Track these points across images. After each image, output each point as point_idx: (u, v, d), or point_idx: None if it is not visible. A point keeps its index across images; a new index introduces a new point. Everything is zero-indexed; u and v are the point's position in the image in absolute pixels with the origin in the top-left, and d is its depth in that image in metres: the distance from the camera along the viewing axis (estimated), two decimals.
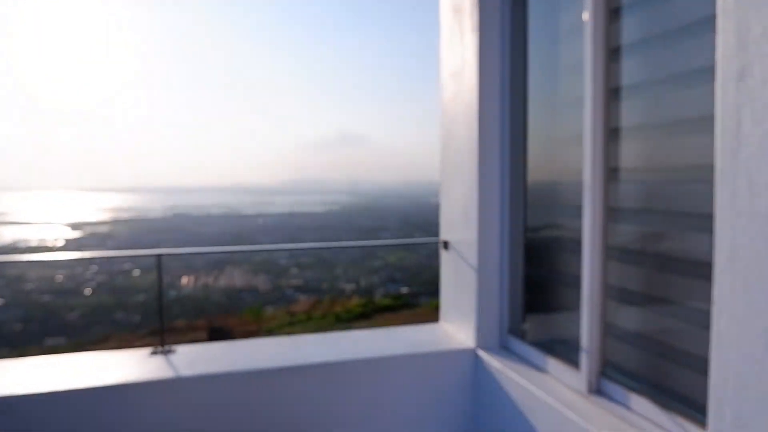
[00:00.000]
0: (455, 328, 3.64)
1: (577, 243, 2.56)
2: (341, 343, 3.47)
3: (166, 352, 3.28)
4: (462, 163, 3.44)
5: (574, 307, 2.60)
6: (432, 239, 3.98)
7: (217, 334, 36.78)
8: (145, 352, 3.33)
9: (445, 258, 3.81)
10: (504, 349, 3.27)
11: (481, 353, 3.23)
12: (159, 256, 3.24)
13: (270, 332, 44.84)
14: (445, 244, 3.80)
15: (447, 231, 3.79)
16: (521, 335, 3.23)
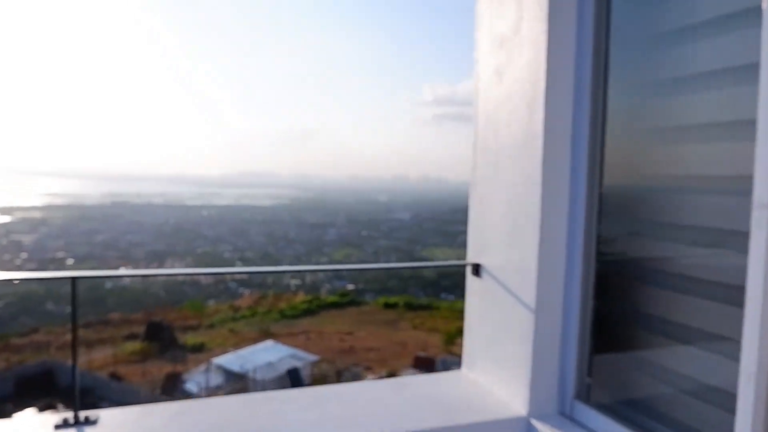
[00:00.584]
0: (491, 383, 2.69)
1: (690, 278, 1.79)
2: (340, 406, 2.43)
3: (80, 425, 2.17)
4: (510, 160, 2.50)
5: (676, 364, 1.86)
6: (460, 262, 3.16)
7: (155, 329, 35.88)
8: (51, 420, 2.20)
9: (476, 287, 2.93)
10: (567, 419, 2.30)
11: (537, 424, 2.28)
12: (74, 278, 2.40)
13: (212, 327, 43.94)
14: (476, 269, 2.90)
15: (479, 251, 2.90)
16: (592, 400, 2.30)
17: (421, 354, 30.16)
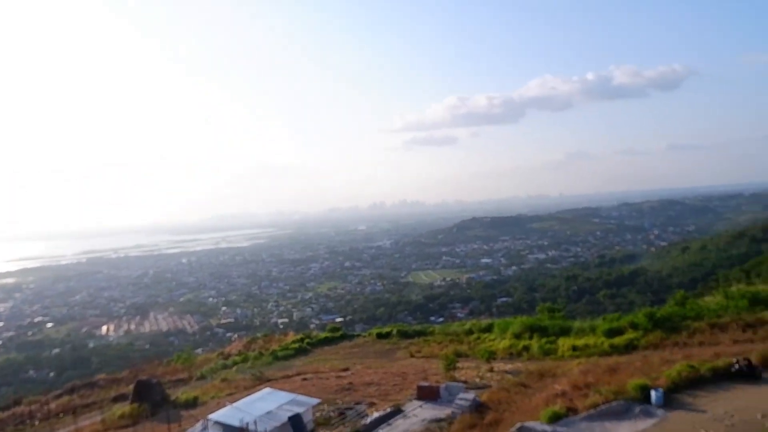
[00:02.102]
0: None
1: None
2: None
3: None
4: None
5: None
6: None
7: (144, 388, 34.41)
8: None
9: None
10: None
11: None
12: None
13: (203, 378, 42.46)
14: None
15: None
16: None
17: (424, 383, 29.41)
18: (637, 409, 18.95)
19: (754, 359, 21.42)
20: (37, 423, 33.65)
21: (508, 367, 33.77)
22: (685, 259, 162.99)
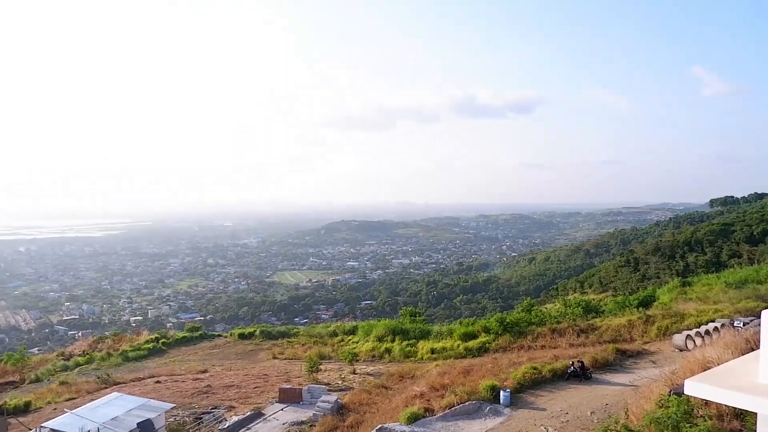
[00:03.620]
0: None
1: None
2: None
3: None
4: None
5: None
6: None
7: None
8: None
9: None
10: None
11: None
12: None
13: (38, 381, 38.19)
14: None
15: None
16: None
17: (286, 386, 29.12)
18: (487, 408, 20.42)
19: (586, 361, 24.15)
20: None
21: (371, 369, 34.64)
22: (531, 269, 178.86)
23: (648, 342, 29.45)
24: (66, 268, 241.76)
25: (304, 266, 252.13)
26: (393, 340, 39.52)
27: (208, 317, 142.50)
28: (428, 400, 21.86)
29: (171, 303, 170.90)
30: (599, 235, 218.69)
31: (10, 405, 30.15)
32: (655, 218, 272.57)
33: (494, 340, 34.87)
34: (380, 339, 40.39)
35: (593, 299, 51.46)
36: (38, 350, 78.05)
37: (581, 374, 23.18)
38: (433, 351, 36.27)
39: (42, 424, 22.81)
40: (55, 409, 28.79)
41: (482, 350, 34.18)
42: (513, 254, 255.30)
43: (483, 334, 36.31)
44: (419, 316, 47.09)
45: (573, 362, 23.88)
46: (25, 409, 30.04)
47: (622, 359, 25.91)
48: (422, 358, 35.75)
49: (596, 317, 36.24)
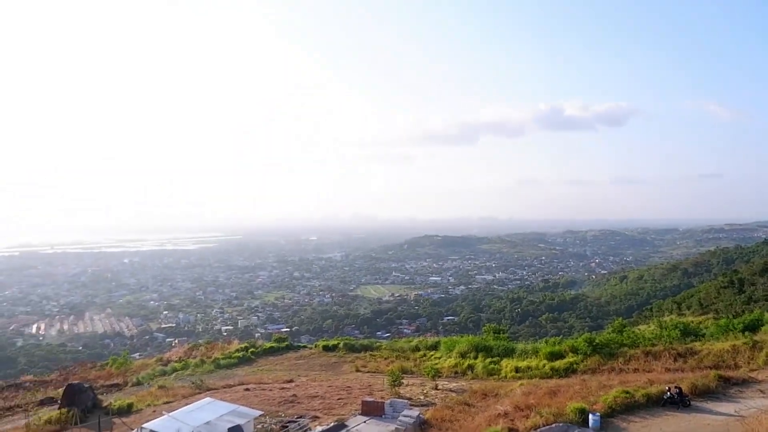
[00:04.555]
0: None
1: None
2: None
3: None
4: None
5: None
6: None
7: (74, 392, 32.87)
8: None
9: None
10: None
11: None
12: None
13: (139, 384, 40.89)
14: None
15: None
16: None
17: (368, 399, 29.31)
18: (576, 431, 19.53)
19: (684, 388, 22.49)
20: None
21: (453, 385, 34.15)
22: (623, 287, 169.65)
23: (755, 369, 26.94)
24: (165, 278, 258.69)
25: (387, 280, 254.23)
26: (476, 357, 38.78)
27: (293, 328, 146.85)
28: (512, 420, 21.25)
29: (259, 314, 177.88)
30: (699, 254, 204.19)
31: (114, 406, 32.54)
32: (763, 236, 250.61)
33: (582, 361, 33.31)
34: (463, 355, 39.77)
35: (692, 321, 47.90)
36: (139, 355, 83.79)
37: (679, 401, 21.61)
38: (517, 369, 35.21)
39: (142, 425, 24.40)
40: (154, 411, 30.70)
41: (569, 371, 32.74)
42: (602, 272, 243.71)
43: (570, 354, 34.80)
44: (503, 334, 45.95)
45: (669, 388, 22.33)
46: (127, 410, 32.26)
47: (726, 387, 23.86)
48: (506, 377, 34.78)
49: (695, 341, 33.68)
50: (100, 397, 34.68)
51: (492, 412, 23.30)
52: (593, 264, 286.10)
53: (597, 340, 34.76)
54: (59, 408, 32.04)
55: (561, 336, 54.49)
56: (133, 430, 24.64)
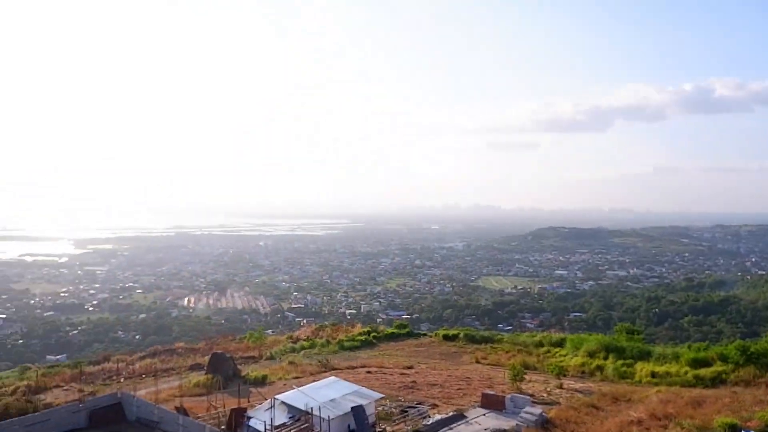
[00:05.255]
0: None
1: None
2: None
3: None
4: None
5: None
6: None
7: (218, 361, 36.13)
8: None
9: None
10: None
11: None
12: None
13: (272, 359, 43.85)
14: None
15: None
16: None
17: (489, 392, 28.83)
18: None
19: None
20: (122, 380, 36.10)
21: (579, 385, 32.47)
22: None
23: None
24: (295, 261, 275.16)
25: (510, 272, 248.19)
26: (606, 358, 36.51)
27: (414, 316, 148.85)
28: (647, 429, 19.70)
29: (381, 300, 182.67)
30: None
31: (251, 376, 35.26)
32: None
33: (733, 371, 29.96)
34: (591, 355, 37.64)
35: None
36: (272, 332, 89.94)
37: None
38: (653, 374, 32.58)
39: (275, 396, 26.14)
40: (284, 384, 32.79)
41: (717, 381, 29.64)
42: (760, 272, 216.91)
43: (718, 362, 31.48)
44: (637, 335, 42.76)
45: None
46: (262, 381, 34.79)
47: None
48: (640, 381, 32.34)
49: None
50: (239, 367, 37.73)
51: (624, 418, 21.76)
52: (748, 263, 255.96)
53: (752, 349, 31.07)
54: (206, 374, 35.43)
55: (707, 342, 49.42)
56: (266, 399, 26.46)
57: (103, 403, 27.80)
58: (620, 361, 35.32)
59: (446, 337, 49.81)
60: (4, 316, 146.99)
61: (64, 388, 34.25)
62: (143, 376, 37.26)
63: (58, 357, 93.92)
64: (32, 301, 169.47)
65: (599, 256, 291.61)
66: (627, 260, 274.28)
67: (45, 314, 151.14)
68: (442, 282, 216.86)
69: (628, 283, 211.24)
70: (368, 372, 36.81)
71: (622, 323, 49.76)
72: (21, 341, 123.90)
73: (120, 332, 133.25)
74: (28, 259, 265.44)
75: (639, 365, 34.40)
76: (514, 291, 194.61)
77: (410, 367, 38.74)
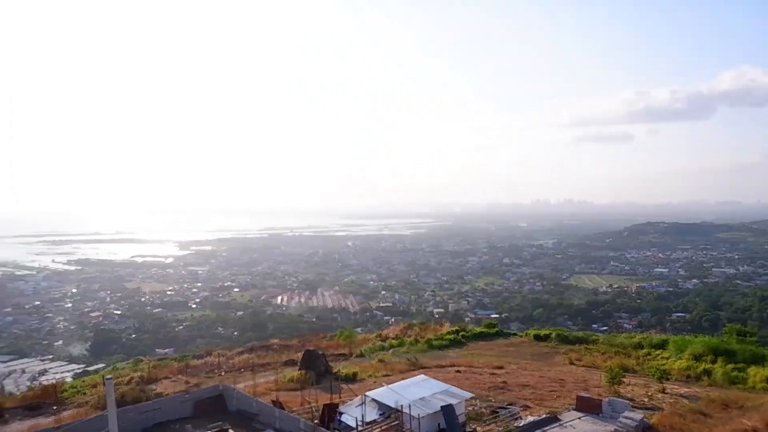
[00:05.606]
0: None
1: None
2: None
3: None
4: None
5: None
6: None
7: (311, 357, 37.47)
8: None
9: None
10: None
11: None
12: None
13: (362, 356, 44.80)
14: None
15: None
16: None
17: (584, 394, 27.76)
18: None
19: None
20: (223, 373, 38.40)
21: (684, 390, 30.47)
22: None
23: None
24: (382, 261, 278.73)
25: (604, 270, 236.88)
26: (714, 362, 34.02)
27: (503, 315, 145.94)
28: None
29: (469, 298, 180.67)
30: None
31: (342, 373, 36.23)
32: None
33: None
34: (697, 358, 35.21)
35: None
36: (361, 330, 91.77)
37: None
38: None
39: (366, 393, 26.72)
40: (374, 381, 33.38)
41: None
42: None
43: None
44: (750, 337, 39.47)
45: None
46: (352, 378, 35.63)
47: None
48: (754, 387, 29.84)
49: None
50: (330, 363, 38.89)
51: (736, 426, 20.21)
52: None
53: None
54: (299, 369, 36.87)
55: None
56: (357, 396, 27.11)
57: (206, 394, 29.71)
58: (730, 365, 32.79)
59: (537, 337, 48.52)
60: (119, 312, 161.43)
61: (172, 379, 36.95)
62: (242, 370, 39.40)
63: (166, 351, 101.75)
64: (143, 299, 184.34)
65: (703, 252, 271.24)
66: (736, 256, 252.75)
67: (154, 311, 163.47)
68: (531, 280, 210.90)
69: (738, 281, 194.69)
70: (457, 371, 36.64)
71: (732, 324, 46.01)
72: (134, 335, 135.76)
73: (220, 328, 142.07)
74: (139, 260, 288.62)
75: (752, 370, 31.76)
76: (609, 290, 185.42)
77: (500, 367, 38.11)
